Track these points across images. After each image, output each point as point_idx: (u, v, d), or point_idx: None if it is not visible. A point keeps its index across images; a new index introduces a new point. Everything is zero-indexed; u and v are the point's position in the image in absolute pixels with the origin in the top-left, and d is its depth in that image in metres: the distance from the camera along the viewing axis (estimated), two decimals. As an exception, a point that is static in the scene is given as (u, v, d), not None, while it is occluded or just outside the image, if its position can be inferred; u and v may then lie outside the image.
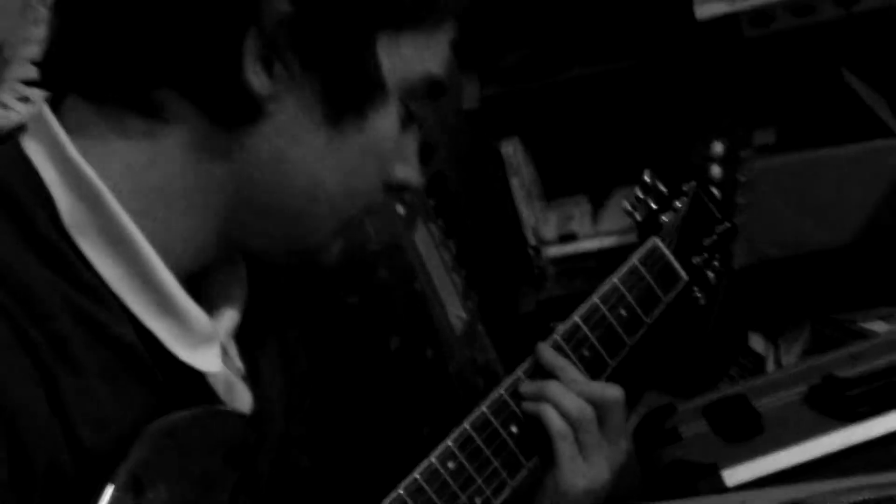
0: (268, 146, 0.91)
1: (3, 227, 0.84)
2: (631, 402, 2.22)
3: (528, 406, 1.10)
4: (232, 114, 0.89)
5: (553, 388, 1.10)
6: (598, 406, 1.12)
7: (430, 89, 0.98)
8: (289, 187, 0.93)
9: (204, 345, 0.93)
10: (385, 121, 0.95)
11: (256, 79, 0.88)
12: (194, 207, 0.91)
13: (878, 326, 2.26)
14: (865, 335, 2.19)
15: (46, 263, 0.84)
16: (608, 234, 2.35)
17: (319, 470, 1.11)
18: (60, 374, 0.82)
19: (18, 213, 0.85)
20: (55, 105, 0.91)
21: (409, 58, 0.95)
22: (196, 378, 0.95)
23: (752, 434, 1.86)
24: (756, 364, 2.34)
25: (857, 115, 2.30)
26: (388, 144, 0.97)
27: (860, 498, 1.58)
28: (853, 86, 2.32)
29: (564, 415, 1.09)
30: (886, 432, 1.80)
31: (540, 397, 1.10)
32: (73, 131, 0.90)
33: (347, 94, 0.92)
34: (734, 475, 1.77)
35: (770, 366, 2.33)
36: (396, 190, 1.02)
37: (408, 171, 1.02)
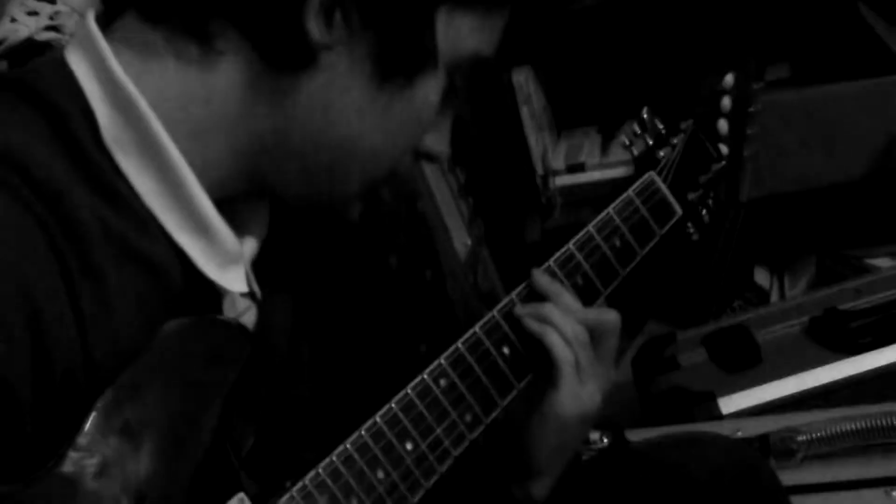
0: (314, 95, 0.91)
1: (43, 136, 0.85)
2: (632, 331, 2.25)
3: (530, 326, 1.11)
4: (285, 57, 0.90)
5: (552, 311, 1.11)
6: (594, 330, 1.13)
7: (476, 68, 0.99)
8: (326, 138, 0.94)
9: (231, 265, 0.94)
10: (430, 91, 0.96)
11: (315, 26, 0.88)
12: (232, 140, 0.92)
13: (885, 262, 2.26)
14: (871, 271, 2.20)
15: (83, 176, 0.85)
16: (616, 165, 2.35)
17: (319, 400, 1.13)
18: (84, 286, 0.83)
19: (59, 123, 0.86)
20: (108, 20, 0.92)
21: (465, 35, 0.96)
22: (212, 301, 0.96)
23: (750, 364, 1.87)
24: (760, 297, 2.35)
25: (872, 49, 2.28)
26: (428, 114, 0.98)
27: (855, 426, 1.60)
28: (869, 20, 2.30)
29: (565, 337, 1.11)
30: (887, 365, 1.82)
31: (540, 320, 1.11)
32: (120, 48, 0.90)
33: (399, 59, 0.93)
34: (730, 403, 1.79)
35: (774, 299, 2.34)
36: (424, 158, 1.04)
37: (437, 142, 1.03)
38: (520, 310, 1.11)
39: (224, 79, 0.90)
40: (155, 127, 0.87)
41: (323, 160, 0.95)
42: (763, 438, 1.59)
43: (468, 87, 1.00)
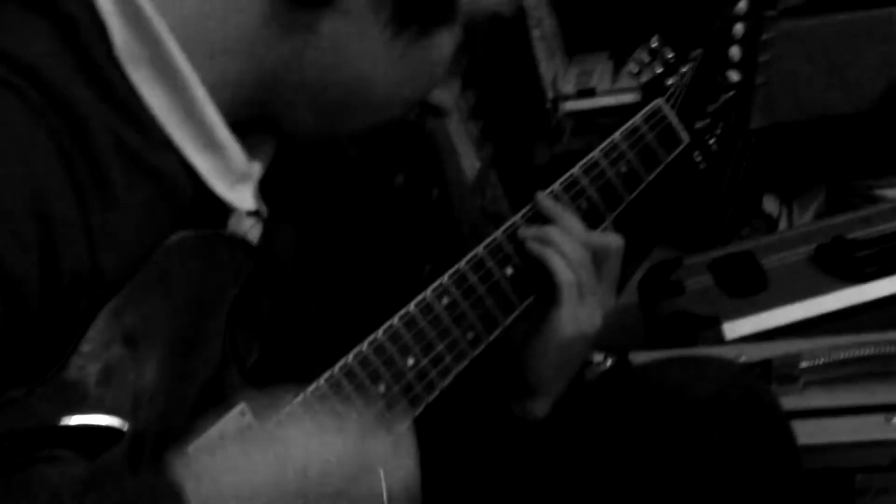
0: (330, 34, 0.92)
1: (54, 45, 0.84)
2: (640, 255, 2.25)
3: (533, 247, 1.11)
4: None
5: (556, 232, 1.12)
6: (597, 253, 1.13)
7: (491, 25, 0.99)
8: (336, 79, 0.94)
9: (240, 183, 0.95)
10: (444, 44, 0.97)
11: None
12: (244, 65, 0.92)
13: (894, 193, 2.26)
14: (880, 201, 2.20)
15: (95, 87, 0.84)
16: (627, 91, 2.34)
17: (326, 318, 1.14)
18: (93, 195, 0.83)
19: (71, 34, 0.85)
20: None
21: None
22: (219, 217, 0.97)
23: (755, 290, 1.88)
24: (769, 225, 2.34)
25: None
26: (440, 67, 0.98)
27: (857, 353, 1.60)
28: (884, -53, 2.27)
29: (567, 259, 1.12)
30: (891, 293, 1.82)
31: (543, 241, 1.12)
32: None
33: (419, 8, 0.94)
34: (734, 329, 1.79)
35: (783, 227, 2.34)
36: (431, 112, 1.04)
37: (444, 97, 1.04)
38: (524, 231, 1.12)
39: (246, 5, 0.90)
40: (168, 43, 0.87)
41: (330, 100, 0.95)
42: (765, 363, 1.60)
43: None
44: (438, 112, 1.05)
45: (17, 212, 0.77)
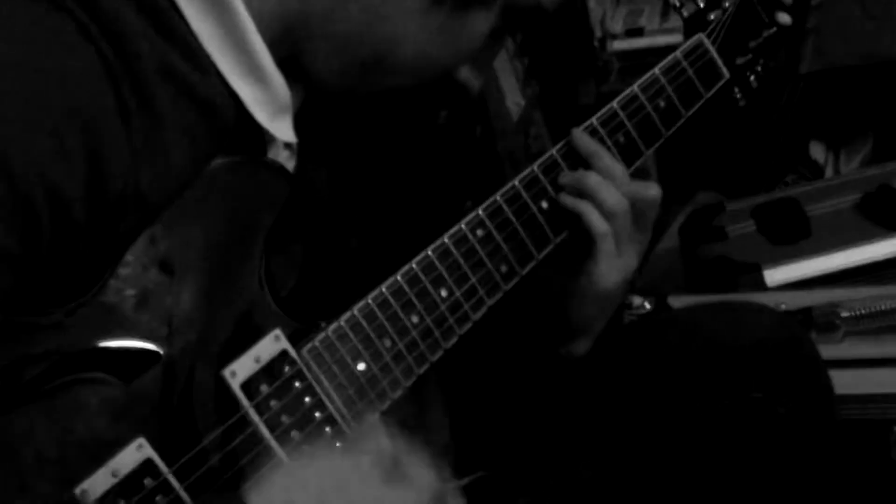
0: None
1: None
2: (682, 199, 2.24)
3: (567, 200, 1.10)
4: None
5: (593, 180, 1.11)
6: (635, 203, 1.12)
7: (532, 17, 0.98)
8: (369, 34, 0.95)
9: (281, 114, 0.95)
10: (479, 24, 0.97)
11: None
12: (283, 6, 0.92)
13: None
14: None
15: (145, 13, 0.85)
16: (676, 31, 2.30)
17: (364, 239, 1.14)
18: (139, 118, 0.83)
19: None
20: None
21: None
22: (258, 147, 0.97)
23: (798, 237, 1.87)
24: (815, 172, 2.32)
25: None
26: (473, 45, 0.99)
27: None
28: None
29: (602, 209, 1.10)
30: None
31: (580, 191, 1.11)
32: None
33: None
34: (775, 275, 1.79)
35: (828, 174, 2.32)
36: (455, 88, 1.04)
37: (472, 78, 1.05)
38: (563, 177, 1.11)
39: None
40: None
41: (358, 55, 0.95)
42: (806, 312, 1.60)
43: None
44: (461, 90, 1.05)
45: (64, 126, 0.78)
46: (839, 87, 2.23)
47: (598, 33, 2.36)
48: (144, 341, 0.86)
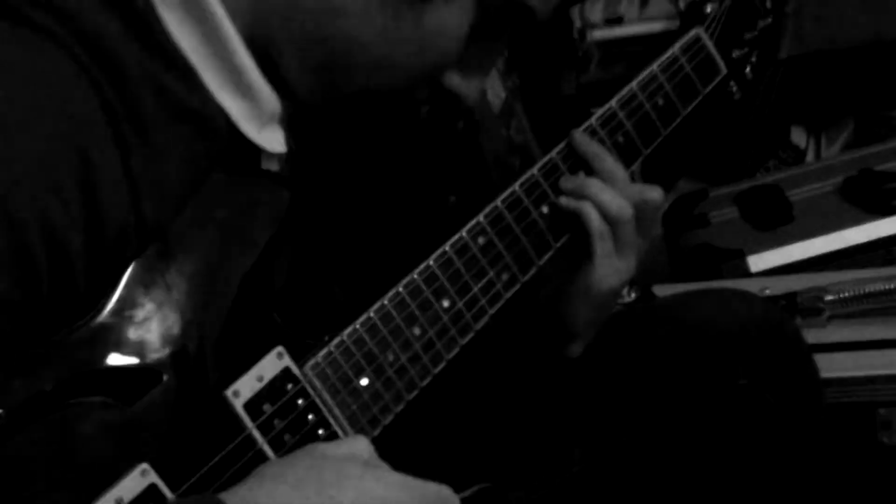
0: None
1: (102, 2, 0.82)
2: (665, 188, 2.24)
3: (568, 203, 1.10)
4: None
5: (595, 186, 1.10)
6: (637, 206, 1.12)
7: (511, 14, 0.96)
8: (328, 34, 0.92)
9: (270, 124, 0.94)
10: (450, 19, 0.94)
11: None
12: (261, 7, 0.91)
13: (924, 124, 2.24)
14: (910, 132, 2.18)
15: (132, 31, 0.83)
16: (655, 19, 2.31)
17: (350, 236, 1.14)
18: (135, 143, 0.82)
19: None
20: None
21: None
22: (252, 156, 0.96)
23: (781, 222, 1.87)
24: (796, 157, 2.33)
25: None
26: (447, 45, 0.96)
27: (882, 287, 1.60)
28: None
29: (604, 213, 1.09)
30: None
31: (580, 195, 1.11)
32: None
33: None
34: (759, 261, 1.79)
35: (810, 159, 2.32)
36: (446, 98, 1.02)
37: (463, 86, 1.02)
38: (564, 182, 1.10)
39: None
40: None
41: (322, 55, 0.93)
42: (790, 297, 1.60)
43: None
44: (454, 99, 1.03)
45: (59, 166, 0.77)
46: (819, 71, 2.23)
47: (578, 23, 2.36)
48: (145, 362, 0.86)
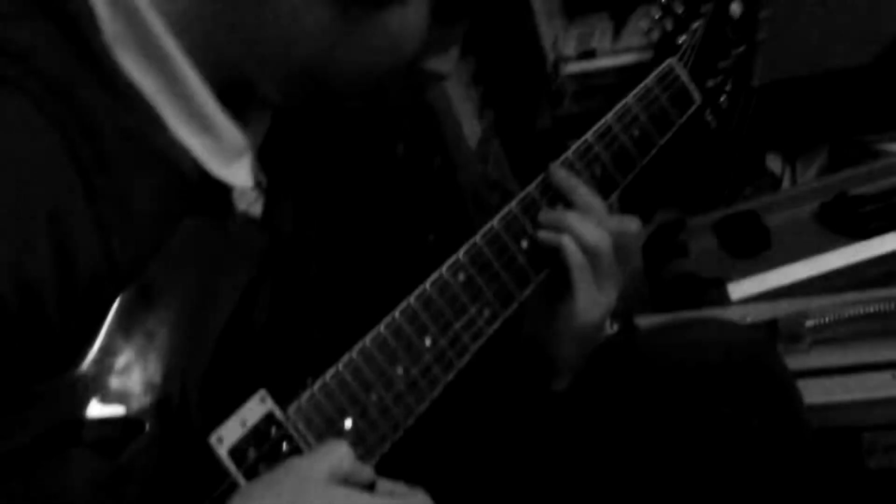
0: (281, 7, 0.90)
1: (50, 35, 0.84)
2: (643, 217, 2.25)
3: (547, 236, 1.11)
4: None
5: (572, 218, 1.10)
6: (617, 238, 1.13)
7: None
8: (293, 51, 0.93)
9: (236, 159, 0.94)
10: (407, 16, 0.94)
11: None
12: (220, 29, 0.91)
13: (897, 147, 2.25)
14: (884, 156, 2.19)
15: (93, 76, 0.84)
16: (628, 51, 2.32)
17: (328, 276, 1.14)
18: (103, 188, 0.83)
19: (72, 29, 0.85)
20: None
21: None
22: (223, 193, 0.96)
23: (759, 249, 1.88)
24: (772, 184, 2.34)
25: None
26: (408, 39, 0.96)
27: (862, 311, 1.61)
28: None
29: (583, 246, 1.09)
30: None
31: (559, 228, 1.11)
32: None
33: None
34: (739, 289, 1.79)
35: (786, 185, 2.33)
36: (427, 78, 1.02)
37: (443, 62, 1.03)
38: (542, 215, 1.11)
39: None
40: (150, 21, 0.86)
41: (291, 71, 0.94)
42: (771, 324, 1.61)
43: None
44: (435, 78, 1.04)
45: (25, 215, 0.77)
46: (792, 97, 2.25)
47: (551, 57, 2.37)
48: (127, 412, 0.85)
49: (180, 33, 0.88)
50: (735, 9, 1.28)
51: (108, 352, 0.84)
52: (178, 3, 0.89)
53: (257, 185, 0.98)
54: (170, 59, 0.87)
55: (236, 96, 0.94)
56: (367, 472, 0.91)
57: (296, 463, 0.88)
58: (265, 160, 0.99)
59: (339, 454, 0.88)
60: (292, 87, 0.95)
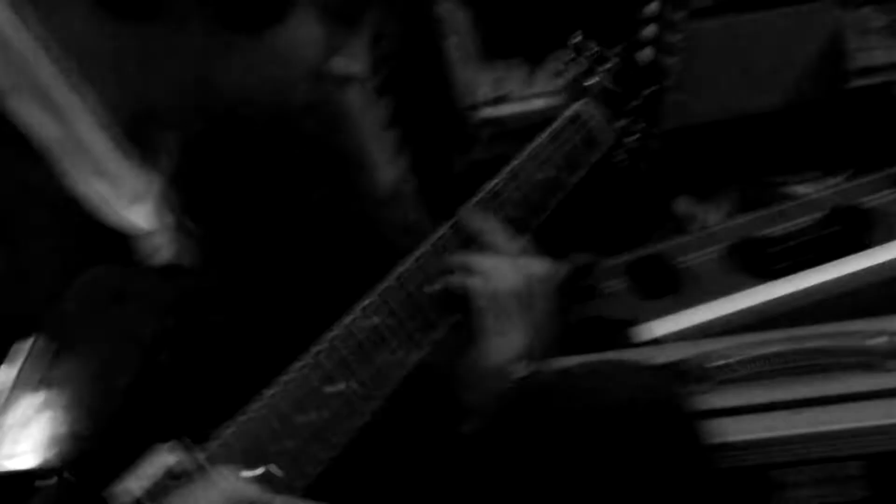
0: (161, 40, 0.92)
1: None
2: (557, 259, 2.26)
3: (455, 279, 1.11)
4: (125, 7, 0.91)
5: (481, 261, 1.11)
6: (525, 279, 1.13)
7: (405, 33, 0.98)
8: (185, 78, 0.94)
9: (138, 202, 0.94)
10: (293, 32, 0.96)
11: None
12: (118, 68, 0.92)
13: (806, 189, 2.29)
14: (791, 198, 2.23)
15: None
16: (542, 95, 2.35)
17: (234, 325, 1.13)
18: (6, 247, 0.84)
19: None
20: None
21: None
22: (123, 238, 0.96)
23: (669, 291, 1.90)
24: (683, 226, 2.37)
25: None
26: (302, 52, 0.98)
27: (769, 351, 1.63)
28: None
29: (492, 289, 1.10)
30: (804, 289, 1.85)
31: (468, 270, 1.11)
32: None
33: (231, 15, 0.92)
34: (650, 330, 1.81)
35: (696, 228, 2.37)
36: (341, 82, 1.03)
37: (350, 64, 1.04)
38: (450, 258, 1.11)
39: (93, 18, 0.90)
40: (46, 70, 0.86)
41: (185, 100, 0.95)
42: (680, 364, 1.62)
43: (393, 14, 1.00)
44: (348, 80, 1.04)
45: None
46: (701, 141, 2.29)
47: (466, 102, 2.39)
48: (35, 464, 0.84)
49: (86, 73, 0.88)
50: (644, 54, 1.30)
51: (13, 405, 0.83)
52: (82, 42, 0.89)
53: (165, 228, 0.98)
54: (64, 110, 0.87)
55: (145, 126, 0.94)
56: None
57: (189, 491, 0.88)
58: (176, 203, 0.99)
59: (233, 483, 0.88)
60: (196, 122, 0.96)
